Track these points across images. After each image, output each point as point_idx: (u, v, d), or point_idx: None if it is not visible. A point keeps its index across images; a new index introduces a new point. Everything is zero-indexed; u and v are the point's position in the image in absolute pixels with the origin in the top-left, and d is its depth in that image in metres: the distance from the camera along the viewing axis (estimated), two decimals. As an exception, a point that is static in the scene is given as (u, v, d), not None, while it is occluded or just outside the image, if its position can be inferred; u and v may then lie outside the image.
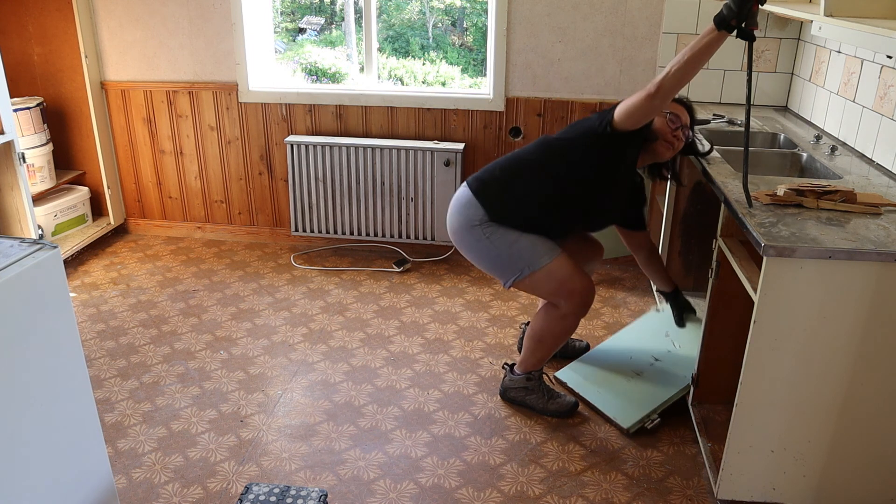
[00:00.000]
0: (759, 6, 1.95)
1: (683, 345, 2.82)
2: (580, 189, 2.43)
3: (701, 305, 3.24)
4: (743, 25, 1.96)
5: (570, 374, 2.81)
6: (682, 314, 2.83)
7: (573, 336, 3.02)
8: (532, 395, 2.63)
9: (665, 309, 2.95)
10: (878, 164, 2.56)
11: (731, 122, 3.17)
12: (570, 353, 2.96)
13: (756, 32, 1.99)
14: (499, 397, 2.73)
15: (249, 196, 4.13)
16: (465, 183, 2.53)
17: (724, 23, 1.96)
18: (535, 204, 2.44)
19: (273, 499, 2.02)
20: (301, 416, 2.62)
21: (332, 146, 3.78)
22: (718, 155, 2.64)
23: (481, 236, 2.44)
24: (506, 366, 2.71)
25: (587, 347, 3.00)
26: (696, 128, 3.06)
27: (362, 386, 2.80)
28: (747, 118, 2.04)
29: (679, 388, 2.60)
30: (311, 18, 5.93)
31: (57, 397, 1.63)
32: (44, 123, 3.77)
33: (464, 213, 2.48)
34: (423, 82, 5.62)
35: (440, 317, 3.33)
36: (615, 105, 2.30)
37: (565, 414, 2.61)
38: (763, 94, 3.55)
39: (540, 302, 2.79)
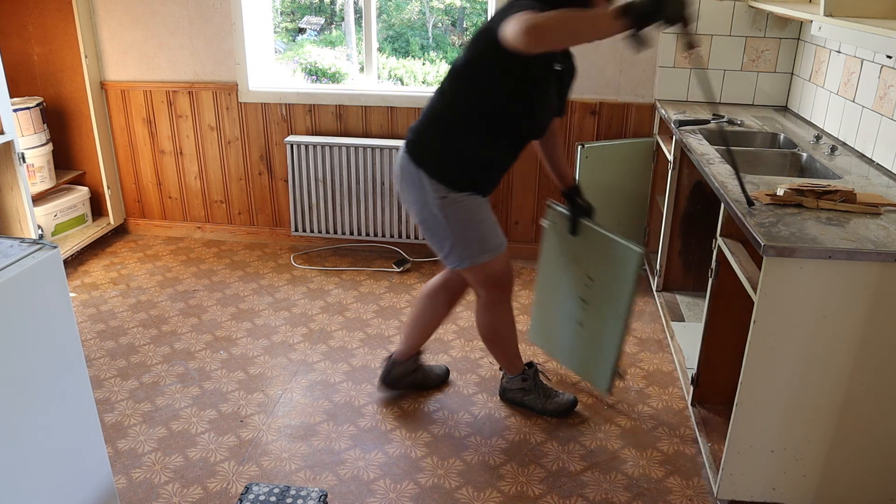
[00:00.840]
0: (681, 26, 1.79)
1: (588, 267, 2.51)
2: (509, 111, 2.18)
3: (701, 305, 3.24)
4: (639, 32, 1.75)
5: (537, 336, 2.84)
6: (577, 221, 2.48)
7: (433, 364, 2.86)
8: (530, 396, 2.63)
9: (554, 218, 2.61)
10: (877, 164, 2.56)
11: (731, 122, 3.17)
12: (433, 382, 2.80)
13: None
14: (499, 398, 2.73)
15: (249, 196, 4.13)
16: (405, 149, 2.29)
17: (638, 18, 1.73)
18: (480, 149, 2.22)
19: (273, 499, 2.02)
20: (301, 416, 2.62)
21: (332, 146, 3.78)
22: (718, 155, 2.63)
23: (438, 214, 2.25)
24: (502, 369, 2.70)
25: (447, 372, 2.84)
26: (697, 127, 3.07)
27: (362, 386, 2.80)
28: (717, 127, 1.95)
29: (618, 332, 2.38)
30: (311, 18, 5.94)
31: (57, 397, 1.63)
32: (44, 123, 3.77)
33: (417, 188, 2.26)
34: (423, 82, 5.62)
35: (440, 317, 3.33)
36: (505, 14, 1.96)
37: (564, 413, 2.60)
38: (763, 94, 3.55)
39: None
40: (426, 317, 2.64)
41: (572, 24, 1.82)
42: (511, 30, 1.86)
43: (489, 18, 2.16)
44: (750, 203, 2.04)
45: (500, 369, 2.70)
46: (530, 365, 2.64)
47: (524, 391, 2.63)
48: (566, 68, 2.31)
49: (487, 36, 2.08)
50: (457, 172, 2.22)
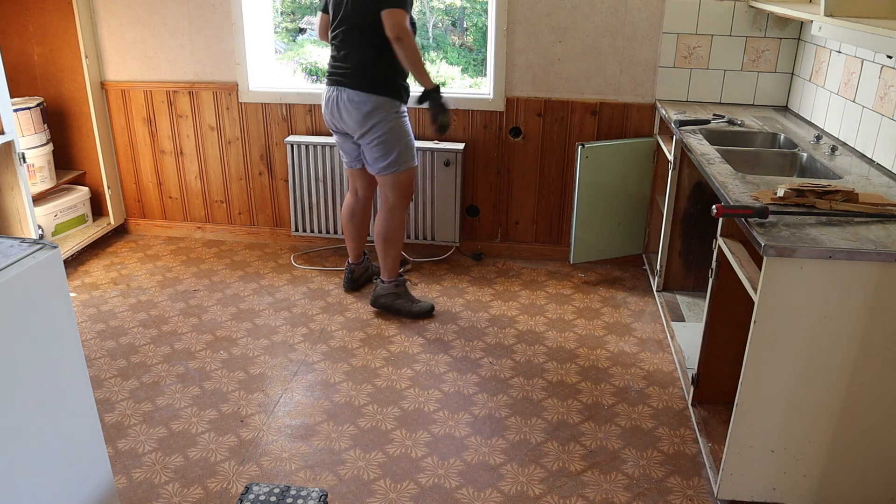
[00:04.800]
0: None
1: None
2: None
3: (701, 305, 3.24)
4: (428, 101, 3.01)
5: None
6: (438, 117, 3.11)
7: (420, 298, 3.43)
8: (399, 300, 3.25)
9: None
10: (878, 164, 2.56)
11: (731, 122, 3.17)
12: (415, 310, 3.32)
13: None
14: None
15: (249, 196, 4.13)
16: (353, 87, 2.99)
17: (436, 95, 3.02)
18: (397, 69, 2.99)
19: (273, 499, 2.02)
20: (301, 416, 2.62)
21: (332, 146, 3.78)
22: (718, 155, 2.64)
23: (394, 126, 3.02)
24: (376, 279, 3.32)
25: (431, 308, 3.34)
26: (697, 127, 3.07)
27: (362, 386, 2.80)
28: None
29: None
30: (312, 18, 5.93)
31: (57, 397, 1.63)
32: (44, 123, 3.77)
33: (378, 110, 2.98)
34: (424, 82, 5.60)
35: (440, 317, 3.33)
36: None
37: (425, 314, 3.26)
38: (763, 94, 3.55)
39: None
40: (361, 232, 3.45)
41: (419, 64, 2.94)
42: (389, 25, 2.83)
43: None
44: (764, 215, 1.95)
45: (376, 277, 3.31)
46: (401, 273, 3.29)
47: (395, 296, 3.24)
48: None
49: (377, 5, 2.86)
50: (400, 87, 3.04)
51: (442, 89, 3.06)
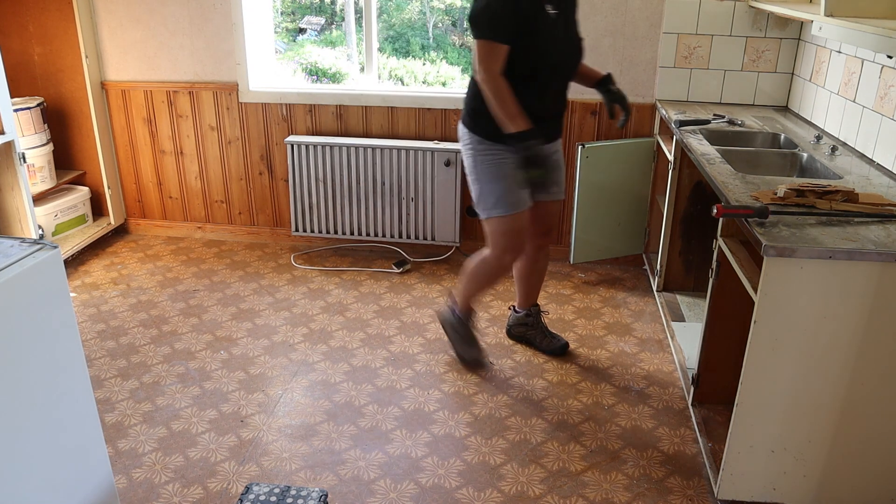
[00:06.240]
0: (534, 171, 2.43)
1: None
2: (524, 63, 2.46)
3: (701, 305, 3.24)
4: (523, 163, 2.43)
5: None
6: (612, 106, 2.72)
7: (555, 332, 3.12)
8: (455, 334, 2.95)
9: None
10: (878, 164, 2.56)
11: (731, 122, 3.17)
12: (551, 349, 3.03)
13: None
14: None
15: (250, 196, 4.13)
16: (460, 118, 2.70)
17: (517, 144, 2.42)
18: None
19: (273, 499, 2.02)
20: (301, 416, 2.62)
21: (332, 146, 3.78)
22: (719, 155, 2.63)
23: (470, 160, 2.65)
24: (451, 305, 2.96)
25: (566, 346, 3.04)
26: (697, 127, 3.07)
27: (362, 386, 2.80)
28: None
29: None
30: (312, 18, 5.93)
31: (57, 397, 1.63)
32: (44, 123, 3.77)
33: (465, 143, 2.66)
34: (424, 82, 5.62)
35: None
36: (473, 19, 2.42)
37: (558, 352, 2.99)
38: (763, 94, 3.55)
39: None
40: (521, 272, 3.00)
41: (497, 103, 2.42)
42: (475, 61, 2.46)
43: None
44: (764, 215, 1.95)
45: (449, 305, 2.96)
46: (470, 315, 2.94)
47: (454, 329, 2.95)
48: (564, 5, 2.53)
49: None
50: (483, 123, 2.56)
51: (532, 142, 2.43)
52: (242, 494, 2.04)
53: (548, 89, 2.56)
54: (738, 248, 2.19)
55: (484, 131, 2.57)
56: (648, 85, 3.61)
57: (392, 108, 3.82)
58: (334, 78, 5.48)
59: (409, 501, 2.22)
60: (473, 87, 2.59)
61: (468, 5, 3.00)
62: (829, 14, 2.36)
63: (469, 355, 2.94)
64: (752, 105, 3.56)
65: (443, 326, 3.01)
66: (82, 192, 4.02)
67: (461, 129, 2.68)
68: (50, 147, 3.82)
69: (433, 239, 3.87)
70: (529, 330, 3.05)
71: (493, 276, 2.78)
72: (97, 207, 4.16)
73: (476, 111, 2.57)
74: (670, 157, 3.21)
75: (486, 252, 2.74)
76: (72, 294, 3.46)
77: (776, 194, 2.10)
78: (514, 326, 3.10)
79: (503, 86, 2.40)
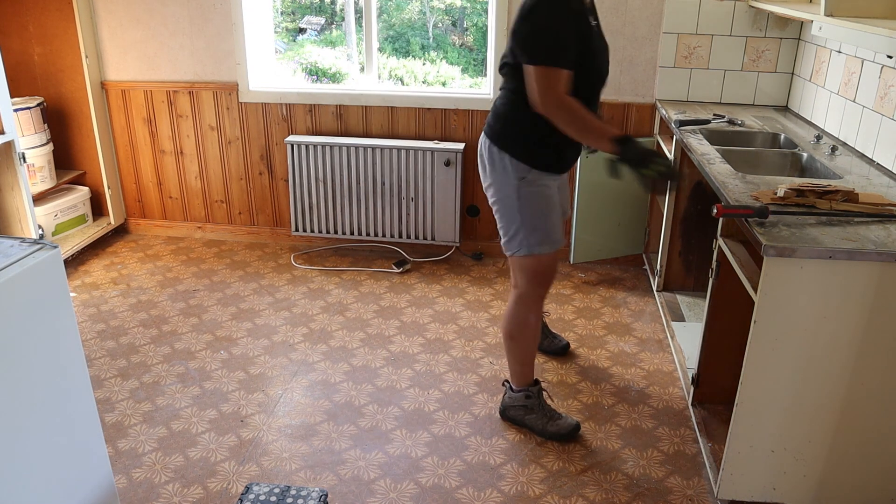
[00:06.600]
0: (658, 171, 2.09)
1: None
2: (583, 81, 2.23)
3: (701, 305, 3.24)
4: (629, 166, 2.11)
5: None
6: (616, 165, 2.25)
7: (556, 332, 3.07)
8: (531, 416, 2.52)
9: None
10: (878, 164, 2.56)
11: (731, 122, 3.17)
12: (552, 349, 2.99)
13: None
14: (498, 416, 2.64)
15: (250, 196, 4.13)
16: (487, 136, 2.37)
17: (625, 155, 2.11)
18: (552, 129, 2.23)
19: (273, 499, 2.02)
20: (301, 415, 2.62)
21: (332, 146, 3.78)
22: (719, 155, 2.63)
23: (513, 195, 2.33)
24: (505, 383, 2.59)
25: (567, 346, 3.03)
26: (697, 127, 3.07)
27: (362, 386, 2.80)
28: None
29: None
30: (312, 18, 5.93)
31: (57, 397, 1.63)
32: (44, 123, 3.77)
33: (500, 170, 2.33)
34: (424, 82, 5.61)
35: (440, 317, 3.33)
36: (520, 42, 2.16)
37: (565, 437, 2.48)
38: (763, 94, 3.55)
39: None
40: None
41: (578, 125, 2.16)
42: (533, 90, 2.14)
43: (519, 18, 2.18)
44: (764, 215, 1.93)
45: (504, 384, 2.61)
46: (536, 382, 2.55)
47: (526, 409, 2.52)
48: (596, 13, 2.33)
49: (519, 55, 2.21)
50: (536, 152, 2.30)
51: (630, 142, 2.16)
52: (242, 494, 2.05)
53: (596, 101, 2.37)
54: (738, 248, 2.19)
55: (541, 162, 2.30)
56: (648, 85, 3.61)
57: (392, 107, 3.82)
58: (334, 78, 5.48)
59: (409, 501, 2.22)
60: (519, 113, 2.26)
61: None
62: (829, 14, 2.36)
63: (559, 429, 2.50)
64: (752, 105, 3.56)
65: (514, 421, 2.57)
66: (82, 191, 4.02)
67: (496, 156, 2.32)
68: (50, 147, 3.82)
69: (433, 239, 3.87)
70: (529, 413, 2.57)
71: (536, 316, 2.47)
72: (97, 207, 4.16)
73: (522, 136, 2.29)
74: (670, 157, 3.21)
75: (517, 296, 2.44)
76: (72, 294, 3.46)
77: (776, 194, 2.10)
78: (511, 408, 2.61)
79: (576, 106, 2.13)
